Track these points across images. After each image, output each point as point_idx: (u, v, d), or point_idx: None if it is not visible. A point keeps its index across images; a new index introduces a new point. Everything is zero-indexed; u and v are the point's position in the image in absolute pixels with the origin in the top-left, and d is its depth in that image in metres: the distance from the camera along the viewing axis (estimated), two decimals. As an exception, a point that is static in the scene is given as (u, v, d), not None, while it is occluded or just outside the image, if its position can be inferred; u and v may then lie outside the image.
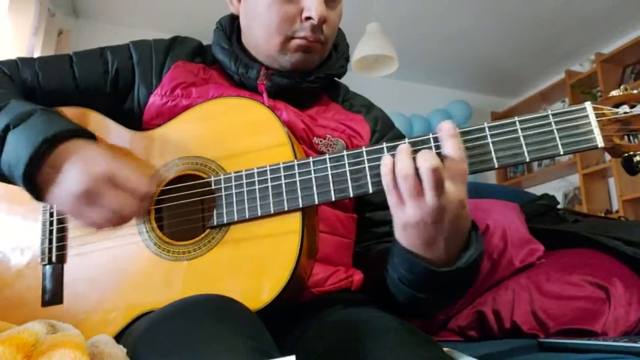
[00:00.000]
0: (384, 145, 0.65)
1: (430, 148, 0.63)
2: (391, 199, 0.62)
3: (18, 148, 0.64)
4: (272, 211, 0.68)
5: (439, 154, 0.61)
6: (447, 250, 0.63)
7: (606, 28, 3.84)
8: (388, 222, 0.86)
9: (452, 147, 0.60)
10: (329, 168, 0.67)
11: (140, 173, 0.66)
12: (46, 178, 0.64)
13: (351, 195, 0.66)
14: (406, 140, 0.65)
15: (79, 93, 0.83)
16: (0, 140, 0.65)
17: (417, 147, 0.63)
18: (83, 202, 0.62)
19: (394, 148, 0.65)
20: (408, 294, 0.69)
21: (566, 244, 1.31)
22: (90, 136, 0.69)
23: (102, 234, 0.72)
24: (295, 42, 0.83)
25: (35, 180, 0.64)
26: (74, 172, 0.63)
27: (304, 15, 0.81)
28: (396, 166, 0.61)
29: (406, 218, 0.61)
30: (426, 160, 0.58)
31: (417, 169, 0.59)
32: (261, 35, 0.85)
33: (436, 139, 0.63)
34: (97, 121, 0.79)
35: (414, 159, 0.60)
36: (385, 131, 0.92)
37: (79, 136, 0.67)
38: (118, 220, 0.64)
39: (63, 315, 0.70)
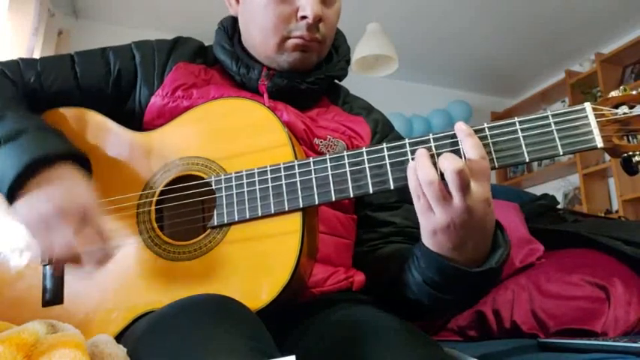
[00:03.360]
0: (384, 145, 0.66)
1: (449, 147, 0.62)
2: (418, 205, 0.61)
3: (5, 166, 0.64)
4: (272, 211, 0.68)
5: (459, 154, 0.60)
6: (475, 250, 0.62)
7: (606, 28, 3.84)
8: (391, 223, 0.86)
9: (472, 146, 0.60)
10: (329, 168, 0.67)
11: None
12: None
13: (352, 195, 0.66)
14: (406, 140, 0.65)
15: (81, 93, 0.83)
16: None
17: (431, 149, 0.62)
18: (43, 224, 0.62)
19: (394, 148, 0.65)
20: (432, 295, 0.68)
21: (566, 244, 1.31)
22: (81, 159, 0.69)
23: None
24: (292, 41, 0.83)
25: (21, 196, 0.64)
26: (54, 193, 0.62)
27: (299, 14, 0.81)
28: (418, 172, 0.59)
29: (435, 223, 0.60)
30: (450, 162, 0.57)
31: (441, 173, 0.58)
32: (258, 36, 0.85)
33: (437, 140, 0.63)
34: (97, 122, 0.80)
35: (436, 162, 0.59)
36: (385, 133, 0.92)
37: (70, 159, 0.67)
38: (65, 258, 0.63)
39: (63, 315, 0.70)
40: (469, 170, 0.58)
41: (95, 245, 0.63)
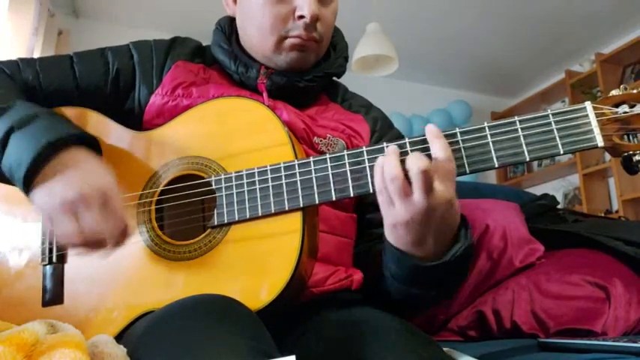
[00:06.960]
0: (385, 144, 0.66)
1: (421, 149, 0.64)
2: (381, 198, 0.63)
3: (20, 151, 0.64)
4: (273, 211, 0.68)
5: (428, 156, 0.61)
6: (435, 246, 0.64)
7: (606, 28, 3.84)
8: None
9: (439, 148, 0.62)
10: (329, 167, 0.67)
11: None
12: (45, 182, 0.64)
13: (352, 194, 0.66)
14: (407, 140, 0.66)
15: (80, 93, 0.83)
16: (2, 142, 0.65)
17: (405, 149, 0.65)
18: (67, 210, 0.61)
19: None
20: (400, 289, 0.71)
21: (566, 244, 1.31)
22: (93, 142, 0.69)
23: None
24: (289, 41, 0.83)
25: (35, 184, 0.64)
26: (73, 177, 0.62)
27: (297, 14, 0.81)
28: (384, 167, 0.61)
29: (396, 218, 0.62)
30: (416, 161, 0.59)
31: (405, 171, 0.60)
32: (255, 36, 0.86)
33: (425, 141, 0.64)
34: (97, 121, 0.79)
35: (404, 160, 0.61)
36: (385, 131, 0.92)
37: (83, 142, 0.67)
38: (91, 242, 0.62)
39: (63, 315, 0.70)
40: (435, 171, 0.60)
41: (118, 227, 0.63)
